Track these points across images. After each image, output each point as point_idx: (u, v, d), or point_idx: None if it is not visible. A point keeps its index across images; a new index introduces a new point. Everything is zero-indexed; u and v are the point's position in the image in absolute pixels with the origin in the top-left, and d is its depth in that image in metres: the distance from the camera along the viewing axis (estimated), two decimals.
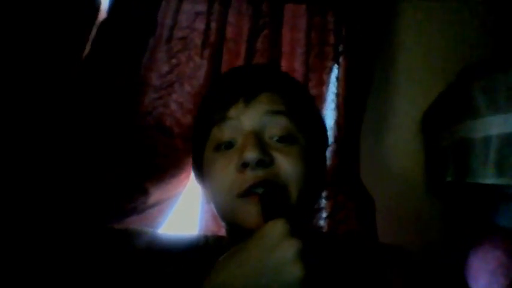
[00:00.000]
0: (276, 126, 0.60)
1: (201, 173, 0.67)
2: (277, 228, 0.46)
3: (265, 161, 0.56)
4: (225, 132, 0.61)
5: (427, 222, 1.11)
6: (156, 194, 1.01)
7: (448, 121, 1.08)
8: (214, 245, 0.90)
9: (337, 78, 1.09)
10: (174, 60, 1.07)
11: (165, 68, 1.06)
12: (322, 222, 1.00)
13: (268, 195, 0.54)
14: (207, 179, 0.63)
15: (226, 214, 0.61)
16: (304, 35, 1.09)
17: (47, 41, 0.95)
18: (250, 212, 0.55)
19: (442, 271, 0.63)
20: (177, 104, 1.05)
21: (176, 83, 1.06)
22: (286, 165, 0.57)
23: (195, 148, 0.69)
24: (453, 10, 1.22)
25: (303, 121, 0.62)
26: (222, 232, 0.99)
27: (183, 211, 1.08)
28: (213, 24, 1.07)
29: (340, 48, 1.10)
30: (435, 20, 1.22)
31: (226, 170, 0.58)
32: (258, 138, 0.58)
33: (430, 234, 1.09)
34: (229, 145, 0.60)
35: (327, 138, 0.72)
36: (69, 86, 0.97)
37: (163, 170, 1.01)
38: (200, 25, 1.08)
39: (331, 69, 1.09)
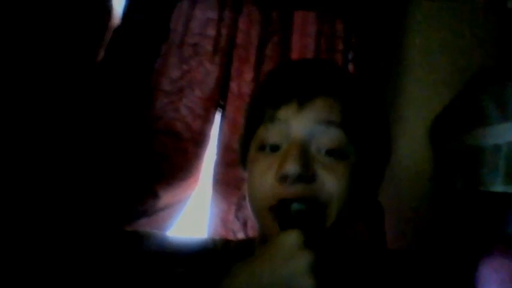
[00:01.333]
0: (327, 137, 0.53)
1: (246, 166, 0.62)
2: (290, 239, 0.45)
3: (306, 177, 0.51)
4: (271, 133, 0.55)
5: (436, 231, 1.10)
6: (165, 198, 1.02)
7: (457, 128, 1.07)
8: (222, 249, 0.90)
9: None
10: (185, 66, 1.08)
11: (176, 74, 1.08)
12: None
13: (295, 212, 0.51)
14: (248, 177, 0.59)
15: (258, 221, 0.58)
16: (313, 41, 1.09)
17: (62, 47, 0.97)
18: (275, 231, 0.52)
19: (452, 279, 0.62)
20: (188, 109, 1.07)
21: (187, 88, 1.08)
22: (329, 183, 0.52)
23: (242, 143, 0.64)
24: (464, 18, 1.21)
25: (361, 133, 0.55)
26: (230, 236, 1.00)
27: (192, 215, 1.09)
28: (224, 31, 1.09)
29: (350, 56, 1.10)
30: (445, 29, 1.21)
31: (265, 175, 0.54)
32: (303, 150, 0.52)
33: (439, 243, 1.08)
34: (274, 147, 0.55)
35: (389, 152, 0.66)
36: (83, 91, 1.00)
37: (173, 174, 1.03)
38: (211, 31, 1.09)
39: None
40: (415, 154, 1.17)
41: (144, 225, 1.00)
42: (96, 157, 0.98)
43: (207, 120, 1.07)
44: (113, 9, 1.07)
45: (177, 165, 1.04)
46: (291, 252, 0.44)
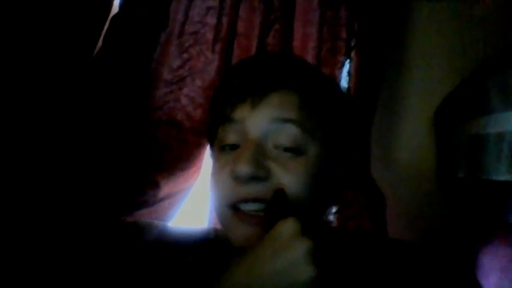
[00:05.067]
0: (283, 135, 0.54)
1: None
2: (287, 227, 0.46)
3: (259, 177, 0.52)
4: (229, 134, 0.56)
5: (437, 218, 1.10)
6: (166, 188, 1.02)
7: (461, 116, 1.06)
8: (224, 238, 0.90)
9: (349, 73, 1.09)
10: (185, 55, 1.07)
11: (176, 63, 1.07)
12: (331, 218, 1.00)
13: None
14: (210, 175, 0.60)
15: (220, 222, 0.59)
16: (316, 29, 1.08)
17: (60, 36, 0.96)
18: (236, 230, 0.54)
19: (452, 267, 0.62)
20: (188, 99, 1.06)
21: (187, 77, 1.07)
22: (285, 180, 0.52)
23: (209, 142, 0.66)
24: (469, 4, 1.20)
25: (320, 125, 0.55)
26: None
27: (193, 204, 1.09)
28: (225, 19, 1.07)
29: (352, 43, 1.09)
30: (449, 15, 1.20)
31: (222, 174, 0.55)
32: (257, 149, 0.53)
33: (440, 230, 1.08)
34: (234, 146, 0.56)
35: (354, 138, 0.66)
36: (82, 81, 0.98)
37: (174, 164, 1.02)
38: (212, 20, 1.08)
39: (343, 64, 1.09)
40: (418, 143, 1.17)
41: (145, 216, 0.99)
42: (95, 148, 0.98)
43: (208, 110, 1.05)
44: None
45: (178, 155, 1.03)
46: (288, 241, 0.44)
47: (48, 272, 0.83)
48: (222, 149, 0.58)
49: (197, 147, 1.04)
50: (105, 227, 0.92)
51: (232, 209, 0.54)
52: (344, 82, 1.09)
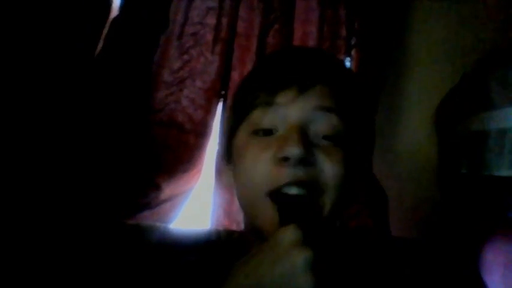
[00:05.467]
0: (325, 123, 0.54)
1: (230, 156, 0.61)
2: (288, 235, 0.44)
3: (308, 160, 0.51)
4: (267, 117, 0.55)
5: (440, 215, 1.10)
6: (168, 189, 1.02)
7: (462, 113, 1.06)
8: (226, 240, 0.90)
9: None
10: (185, 56, 1.07)
11: (176, 64, 1.07)
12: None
13: (292, 200, 0.51)
14: (237, 163, 0.58)
15: (248, 209, 0.57)
16: (316, 28, 1.08)
17: (60, 38, 0.96)
18: (274, 218, 0.52)
19: (456, 264, 0.62)
20: (189, 100, 1.06)
21: (188, 79, 1.07)
22: (328, 167, 0.52)
23: (227, 126, 0.64)
24: (470, 2, 1.20)
25: (352, 121, 0.56)
26: (234, 227, 1.00)
27: (195, 206, 1.09)
28: (224, 20, 1.07)
29: (353, 41, 1.09)
30: (451, 12, 1.20)
31: (261, 159, 0.53)
32: (304, 133, 0.53)
33: (443, 227, 1.07)
34: (268, 131, 0.55)
35: (373, 143, 0.68)
36: (82, 83, 0.99)
37: (175, 166, 1.02)
38: (211, 20, 1.08)
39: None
40: (420, 140, 1.17)
41: (146, 218, 0.99)
42: (96, 150, 0.98)
43: (209, 111, 1.06)
44: (113, 2, 1.06)
45: (179, 157, 1.03)
46: (287, 250, 0.43)
47: (50, 274, 0.83)
48: (254, 134, 0.56)
49: (198, 149, 1.04)
50: (107, 230, 0.92)
51: (271, 197, 0.53)
52: None
